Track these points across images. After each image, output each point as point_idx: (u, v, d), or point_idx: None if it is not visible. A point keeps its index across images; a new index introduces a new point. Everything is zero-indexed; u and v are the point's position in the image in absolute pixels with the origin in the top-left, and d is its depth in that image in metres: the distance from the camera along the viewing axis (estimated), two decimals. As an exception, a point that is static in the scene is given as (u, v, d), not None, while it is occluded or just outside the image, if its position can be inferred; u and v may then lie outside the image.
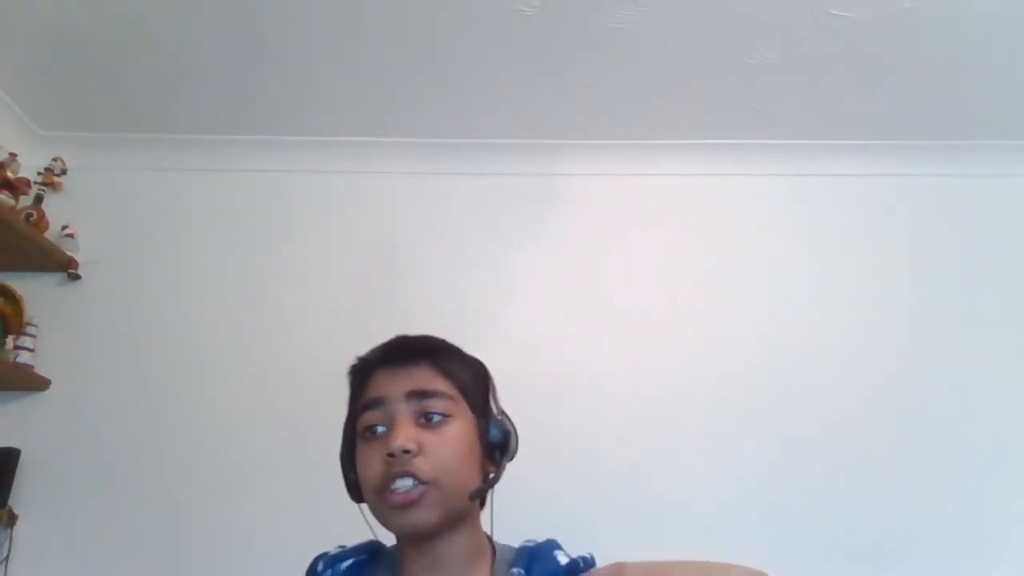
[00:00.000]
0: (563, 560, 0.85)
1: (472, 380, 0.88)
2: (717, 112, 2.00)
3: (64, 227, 2.02)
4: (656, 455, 1.83)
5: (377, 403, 0.84)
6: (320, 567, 0.91)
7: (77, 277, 2.01)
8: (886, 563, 1.76)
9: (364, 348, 2.06)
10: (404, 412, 0.82)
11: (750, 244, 2.07)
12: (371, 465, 0.82)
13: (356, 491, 0.88)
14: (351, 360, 2.06)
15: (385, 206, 2.12)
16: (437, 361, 0.86)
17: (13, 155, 1.94)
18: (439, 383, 0.84)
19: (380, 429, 0.83)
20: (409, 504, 0.78)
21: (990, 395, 1.90)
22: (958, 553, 1.77)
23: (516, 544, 0.90)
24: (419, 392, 0.83)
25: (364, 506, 0.86)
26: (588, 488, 1.76)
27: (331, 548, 0.94)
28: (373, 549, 0.92)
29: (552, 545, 0.88)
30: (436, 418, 0.82)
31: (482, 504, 0.89)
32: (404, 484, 0.78)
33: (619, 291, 2.02)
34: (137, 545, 1.79)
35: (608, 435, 1.83)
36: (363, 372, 0.90)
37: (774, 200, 2.11)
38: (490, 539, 0.90)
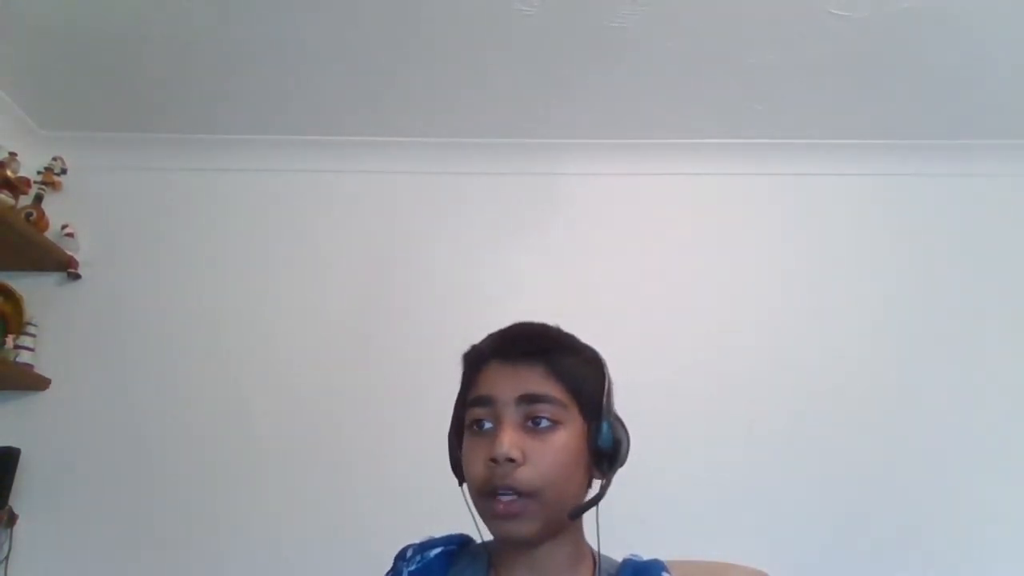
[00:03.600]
0: None
1: (588, 382, 0.84)
2: (717, 112, 2.00)
3: (64, 227, 2.02)
4: (656, 454, 1.82)
5: (486, 401, 0.82)
6: (409, 553, 0.90)
7: (77, 277, 2.01)
8: (886, 563, 1.76)
9: (365, 347, 2.08)
10: (511, 415, 0.80)
11: (750, 244, 2.07)
12: (475, 463, 0.80)
13: (459, 471, 0.86)
14: (353, 359, 2.07)
15: (385, 206, 2.12)
16: (553, 361, 0.83)
17: (13, 155, 1.94)
18: (551, 387, 0.81)
19: (487, 425, 0.81)
20: (510, 516, 0.77)
21: (991, 394, 1.90)
22: (958, 552, 1.77)
23: (615, 555, 0.88)
24: (529, 396, 0.80)
25: (464, 488, 0.85)
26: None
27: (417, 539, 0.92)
28: (462, 541, 0.91)
29: (659, 566, 0.86)
30: (543, 423, 0.80)
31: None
32: (506, 496, 0.77)
33: (619, 291, 2.02)
34: (137, 545, 1.79)
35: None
36: (475, 363, 0.87)
37: (774, 200, 2.11)
38: (592, 548, 0.88)
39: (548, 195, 2.12)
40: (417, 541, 0.91)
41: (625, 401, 2.01)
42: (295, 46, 1.80)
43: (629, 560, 0.86)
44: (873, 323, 1.98)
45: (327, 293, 2.02)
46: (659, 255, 2.06)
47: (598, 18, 1.68)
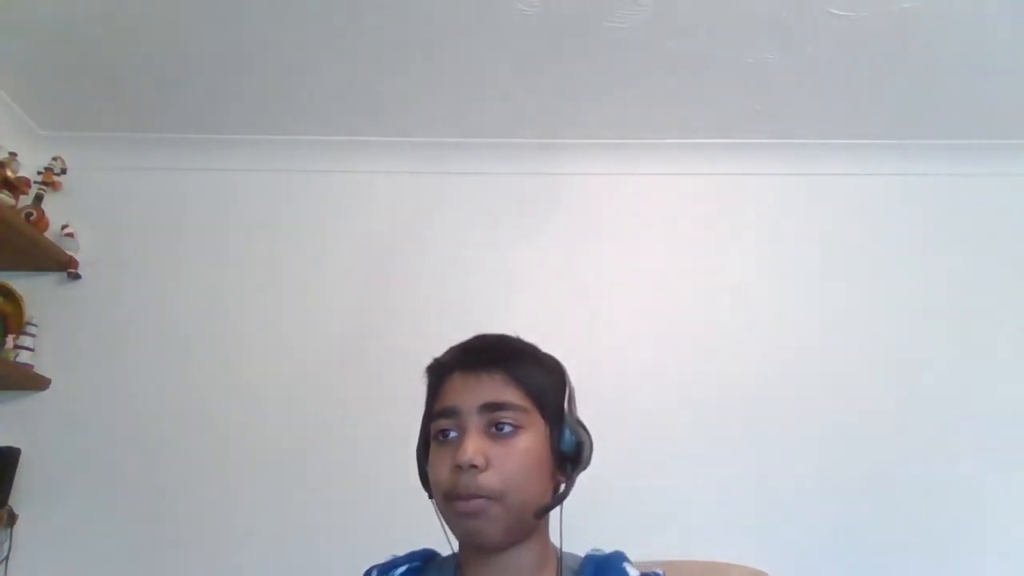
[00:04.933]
0: (632, 573, 0.85)
1: (548, 388, 0.88)
2: (717, 112, 2.00)
3: (64, 227, 2.02)
4: (656, 454, 1.83)
5: (450, 412, 0.85)
6: (374, 574, 0.92)
7: (77, 277, 2.01)
8: (886, 563, 1.76)
9: (364, 347, 2.08)
10: (475, 423, 0.83)
11: (750, 244, 2.07)
12: (441, 470, 0.83)
13: (428, 484, 0.89)
14: (352, 359, 2.07)
15: (385, 206, 2.12)
16: (512, 369, 0.86)
17: (13, 155, 1.94)
18: (512, 394, 0.84)
19: (452, 434, 0.84)
20: (474, 514, 0.80)
21: (990, 394, 1.90)
22: (959, 552, 1.77)
23: (581, 553, 0.89)
24: (491, 404, 0.83)
25: (434, 501, 0.87)
26: (586, 487, 1.75)
27: (383, 558, 0.93)
28: (426, 556, 0.93)
29: (620, 557, 0.88)
30: (506, 429, 0.83)
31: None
32: (471, 499, 0.80)
33: (618, 291, 2.02)
34: (137, 545, 1.79)
35: (607, 434, 1.82)
36: (438, 375, 0.90)
37: (774, 200, 2.11)
38: (556, 548, 0.90)
39: (547, 195, 2.12)
40: (380, 562, 0.92)
41: (625, 400, 2.02)
42: (295, 46, 1.80)
43: (590, 555, 0.89)
44: (873, 322, 1.98)
45: (327, 293, 2.02)
46: (659, 255, 2.06)
47: (598, 18, 1.68)
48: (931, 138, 2.08)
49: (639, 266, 2.04)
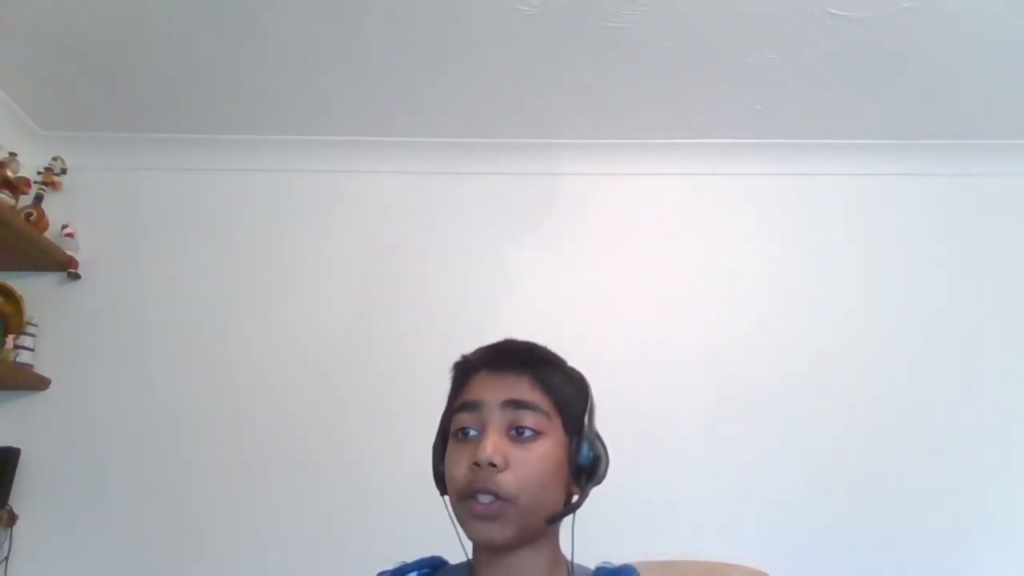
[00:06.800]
0: None
1: (571, 398, 0.88)
2: (717, 112, 2.00)
3: (64, 227, 2.02)
4: (655, 454, 1.83)
5: (472, 406, 0.85)
6: None
7: (77, 277, 2.01)
8: (885, 563, 1.76)
9: (365, 347, 2.08)
10: (496, 421, 0.83)
11: (749, 244, 2.07)
12: (458, 468, 0.83)
13: (442, 483, 0.88)
14: (352, 360, 2.07)
15: (385, 206, 2.12)
16: (539, 374, 0.86)
17: (13, 155, 1.94)
18: (536, 396, 0.85)
19: (472, 432, 0.84)
20: (487, 517, 0.79)
21: (990, 395, 1.90)
22: (958, 552, 1.77)
23: (590, 563, 0.89)
24: (515, 402, 0.83)
25: (447, 499, 0.87)
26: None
27: (390, 565, 0.93)
28: (435, 564, 0.92)
29: (630, 571, 0.88)
30: (527, 433, 0.83)
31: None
32: (485, 499, 0.80)
33: (618, 291, 2.02)
34: (137, 545, 1.79)
35: (607, 434, 1.83)
36: (464, 371, 0.90)
37: (774, 200, 2.11)
38: (566, 558, 0.89)
39: (547, 195, 2.12)
40: (390, 568, 0.91)
41: (624, 400, 2.02)
42: (295, 46, 1.80)
43: (601, 568, 0.89)
44: (871, 322, 1.98)
45: (327, 293, 2.02)
46: (658, 255, 2.06)
47: (598, 18, 1.68)
48: (931, 138, 2.08)
49: (638, 266, 2.04)
